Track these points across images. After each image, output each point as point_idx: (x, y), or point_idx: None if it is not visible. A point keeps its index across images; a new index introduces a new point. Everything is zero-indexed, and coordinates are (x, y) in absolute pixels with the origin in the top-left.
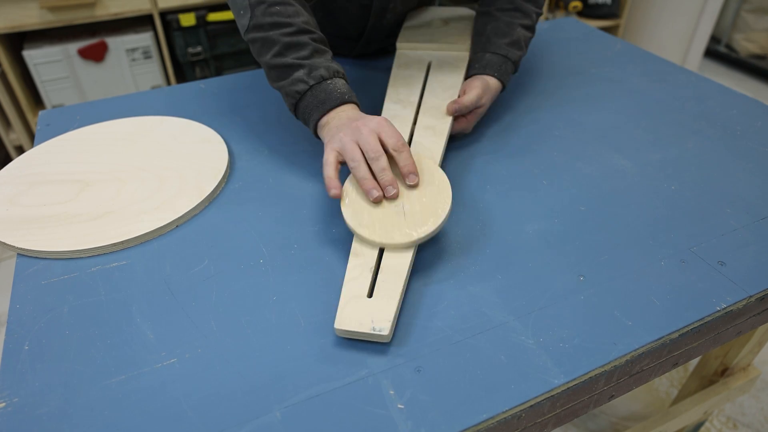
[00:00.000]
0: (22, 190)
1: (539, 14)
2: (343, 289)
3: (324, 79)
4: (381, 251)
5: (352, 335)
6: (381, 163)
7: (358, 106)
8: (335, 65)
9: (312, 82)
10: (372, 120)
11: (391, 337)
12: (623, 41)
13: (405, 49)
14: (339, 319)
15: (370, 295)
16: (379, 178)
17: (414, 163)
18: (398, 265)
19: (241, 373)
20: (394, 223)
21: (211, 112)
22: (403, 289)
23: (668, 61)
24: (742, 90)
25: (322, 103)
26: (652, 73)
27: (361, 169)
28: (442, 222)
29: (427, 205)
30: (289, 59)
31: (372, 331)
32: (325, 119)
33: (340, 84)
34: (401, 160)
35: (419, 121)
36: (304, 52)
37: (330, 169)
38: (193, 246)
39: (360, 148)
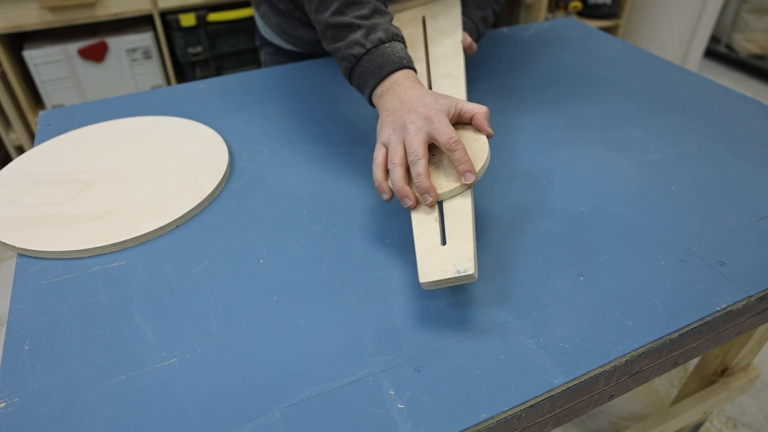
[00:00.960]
0: (22, 190)
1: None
2: (415, 245)
3: (382, 42)
4: (440, 205)
5: (439, 284)
6: (418, 168)
7: (415, 71)
8: (394, 28)
9: (369, 45)
10: (421, 113)
11: (477, 275)
12: (623, 41)
13: (397, 11)
14: (422, 273)
15: (443, 242)
16: (415, 183)
17: (469, 160)
18: (461, 207)
19: (241, 373)
20: (442, 175)
21: (211, 112)
22: (473, 228)
23: (668, 61)
24: (742, 90)
25: (379, 68)
26: (652, 73)
27: (396, 174)
28: (487, 157)
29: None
30: (347, 18)
31: (457, 274)
32: (380, 89)
33: (398, 48)
34: (455, 158)
35: (432, 71)
36: (364, 11)
37: (379, 172)
38: (193, 246)
39: (404, 148)
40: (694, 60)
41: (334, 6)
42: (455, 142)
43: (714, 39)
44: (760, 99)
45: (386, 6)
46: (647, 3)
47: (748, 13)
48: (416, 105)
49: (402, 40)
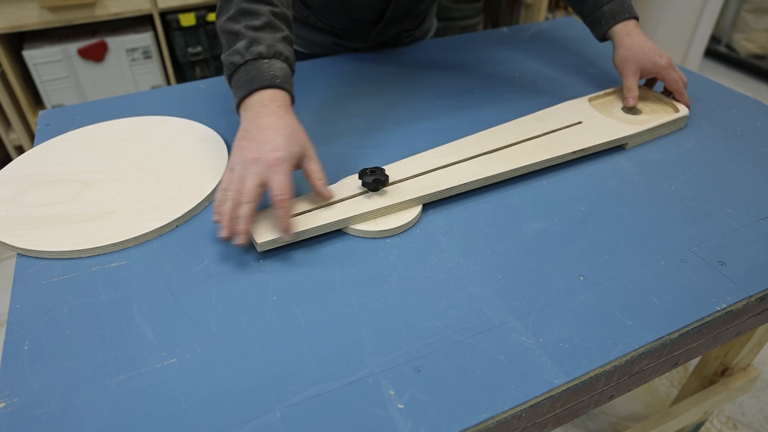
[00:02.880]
0: (22, 190)
1: None
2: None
3: (261, 56)
4: None
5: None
6: (244, 210)
7: (291, 95)
8: (279, 46)
9: (248, 57)
10: (267, 159)
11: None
12: None
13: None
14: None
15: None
16: (230, 223)
17: (288, 220)
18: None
19: (241, 373)
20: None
21: (211, 112)
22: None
23: None
24: (742, 90)
25: (250, 81)
26: None
27: (225, 206)
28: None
29: None
30: (238, 26)
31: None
32: (248, 102)
33: (276, 66)
34: (276, 215)
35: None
36: (257, 22)
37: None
38: (193, 246)
39: (237, 183)
40: (694, 60)
41: (231, 12)
42: (283, 200)
43: (714, 39)
44: (760, 99)
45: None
46: (647, 3)
47: (748, 13)
48: (266, 142)
49: (286, 60)
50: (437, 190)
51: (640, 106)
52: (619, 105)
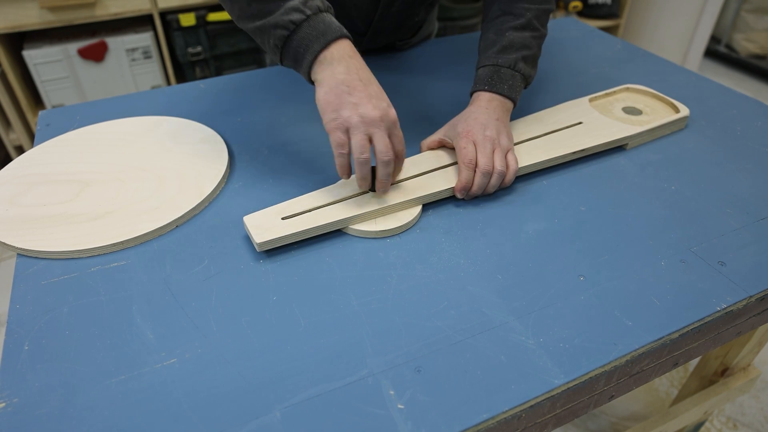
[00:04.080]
0: (22, 190)
1: (541, 9)
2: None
3: (320, 10)
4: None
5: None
6: (390, 168)
7: (353, 42)
8: (327, 1)
9: (309, 12)
10: (388, 114)
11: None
12: (623, 41)
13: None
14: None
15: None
16: (387, 185)
17: (397, 175)
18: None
19: (241, 373)
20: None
21: (211, 112)
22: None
23: (668, 61)
24: (742, 90)
25: (322, 34)
26: (652, 73)
27: (365, 170)
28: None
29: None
30: None
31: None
32: (325, 56)
33: (334, 19)
34: (396, 171)
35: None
36: None
37: (346, 162)
38: (193, 246)
39: (369, 144)
40: (694, 60)
41: None
42: (403, 153)
43: (714, 39)
44: (760, 99)
45: None
46: (647, 3)
47: (748, 13)
48: (380, 98)
49: (334, 14)
50: (437, 190)
51: (641, 106)
52: (620, 105)
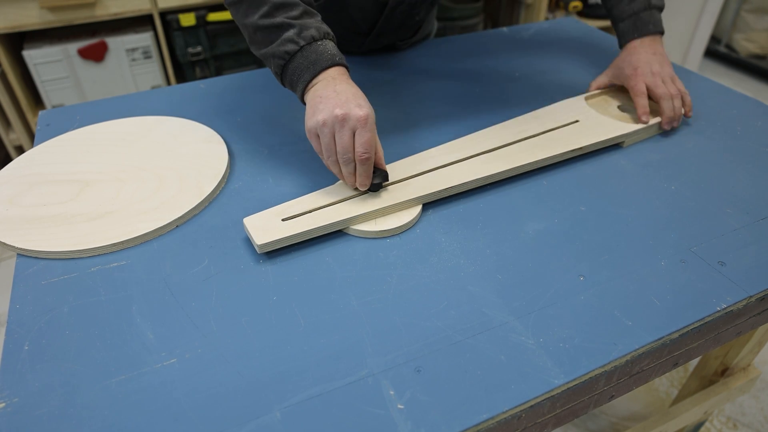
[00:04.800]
0: (22, 190)
1: None
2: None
3: (315, 39)
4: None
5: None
6: (352, 167)
7: (348, 69)
8: (325, 27)
9: (303, 43)
10: (356, 114)
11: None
12: None
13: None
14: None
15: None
16: (357, 180)
17: (368, 178)
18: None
19: (241, 373)
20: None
21: (211, 112)
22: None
23: None
24: (742, 90)
25: (312, 64)
26: None
27: (336, 168)
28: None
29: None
30: (278, 19)
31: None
32: (313, 81)
33: (330, 46)
34: (359, 171)
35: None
36: (294, 12)
37: (335, 166)
38: (193, 246)
39: (335, 145)
40: (694, 60)
41: (264, 9)
42: (367, 158)
43: (714, 39)
44: (760, 99)
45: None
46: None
47: (748, 13)
48: (350, 101)
49: (333, 39)
50: (437, 189)
51: None
52: (615, 103)
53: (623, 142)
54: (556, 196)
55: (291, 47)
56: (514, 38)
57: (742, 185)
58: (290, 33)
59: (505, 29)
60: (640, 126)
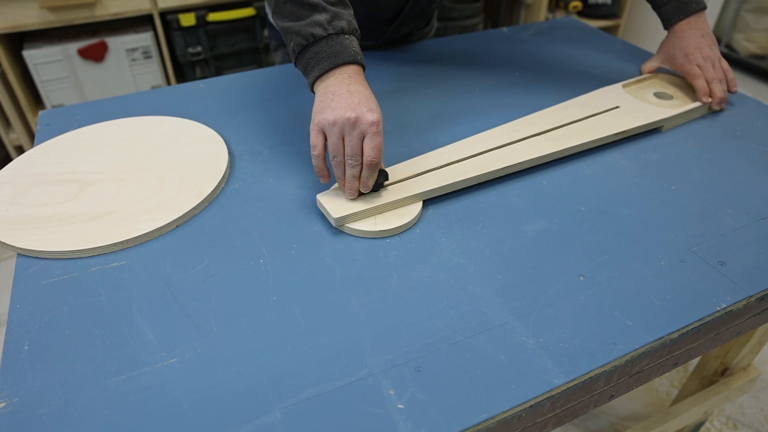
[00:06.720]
0: (22, 190)
1: None
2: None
3: (344, 32)
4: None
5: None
6: (356, 171)
7: (364, 69)
8: (355, 23)
9: (331, 31)
10: (368, 119)
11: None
12: (623, 41)
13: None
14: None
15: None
16: (355, 185)
17: (370, 183)
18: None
19: (241, 373)
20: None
21: (211, 112)
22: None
23: None
24: (742, 90)
25: (335, 55)
26: None
27: (340, 171)
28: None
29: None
30: None
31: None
32: (328, 73)
33: (355, 43)
34: (363, 175)
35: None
36: None
37: (321, 163)
38: (193, 246)
39: (343, 146)
40: None
41: None
42: (375, 164)
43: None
44: (760, 99)
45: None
46: (648, 4)
47: (748, 13)
48: (361, 103)
49: (358, 37)
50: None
51: (671, 91)
52: (652, 90)
53: (662, 126)
54: (555, 195)
55: (319, 31)
56: (514, 38)
57: (742, 185)
58: (322, 17)
59: (505, 29)
60: (678, 111)
